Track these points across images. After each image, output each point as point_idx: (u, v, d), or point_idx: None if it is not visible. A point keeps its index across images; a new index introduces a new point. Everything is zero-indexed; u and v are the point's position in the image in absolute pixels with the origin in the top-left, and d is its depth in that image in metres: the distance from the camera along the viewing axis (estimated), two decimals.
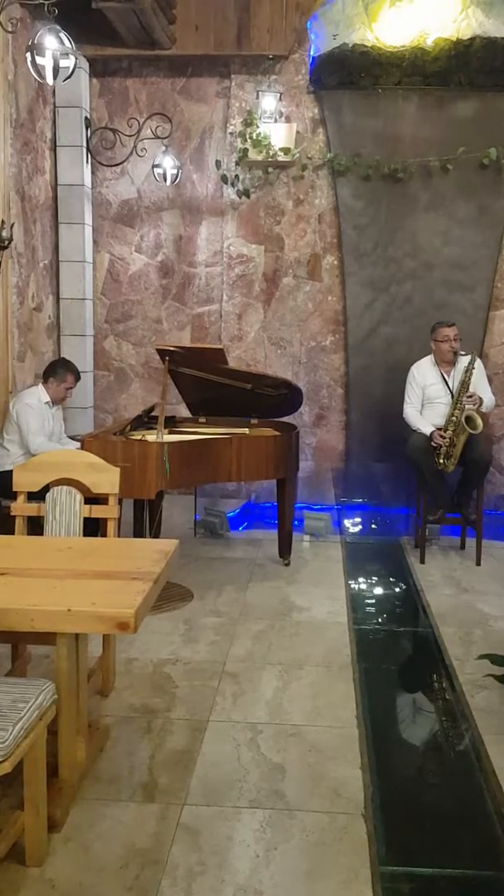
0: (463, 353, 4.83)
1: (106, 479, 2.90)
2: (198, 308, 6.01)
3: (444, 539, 5.26)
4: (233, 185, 5.68)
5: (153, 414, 4.67)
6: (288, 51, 5.49)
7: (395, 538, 5.33)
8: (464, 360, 4.80)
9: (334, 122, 5.57)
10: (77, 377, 4.52)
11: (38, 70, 3.40)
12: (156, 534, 4.28)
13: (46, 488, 2.91)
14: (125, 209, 5.95)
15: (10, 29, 4.02)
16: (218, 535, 5.22)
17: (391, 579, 4.59)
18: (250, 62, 5.60)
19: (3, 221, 4.51)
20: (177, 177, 5.48)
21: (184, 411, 5.10)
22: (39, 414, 4.30)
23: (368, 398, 5.81)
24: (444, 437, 4.67)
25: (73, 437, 4.59)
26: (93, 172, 5.79)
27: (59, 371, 4.45)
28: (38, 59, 3.38)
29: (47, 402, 4.38)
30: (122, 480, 2.92)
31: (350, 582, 4.43)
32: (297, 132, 5.57)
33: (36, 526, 2.96)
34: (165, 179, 5.42)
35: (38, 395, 4.37)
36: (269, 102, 5.51)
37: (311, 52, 5.52)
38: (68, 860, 2.08)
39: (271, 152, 5.48)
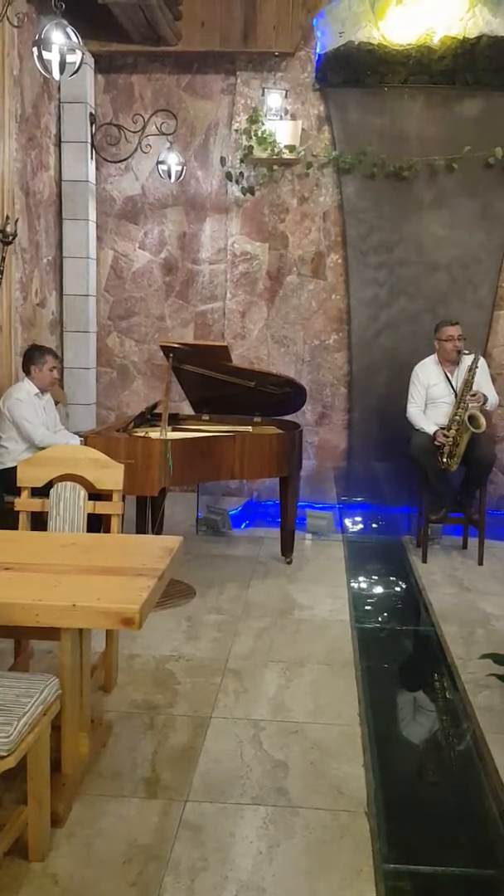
0: (466, 352, 4.82)
1: (110, 475, 2.89)
2: (201, 305, 6.00)
3: (447, 538, 5.25)
4: (237, 182, 5.67)
5: (156, 411, 4.67)
6: (294, 48, 5.48)
7: (397, 537, 5.33)
8: (467, 360, 4.79)
9: (340, 119, 5.56)
10: (55, 356, 4.45)
11: (45, 65, 3.40)
12: (158, 531, 4.28)
13: (50, 484, 2.91)
14: (129, 206, 5.94)
15: (15, 24, 4.02)
16: (220, 533, 5.22)
17: (393, 578, 4.59)
18: (256, 59, 5.59)
19: (7, 217, 4.51)
20: (181, 173, 5.47)
21: (187, 409, 5.10)
22: (31, 407, 4.24)
23: (371, 397, 5.80)
24: (447, 437, 4.67)
25: (75, 434, 4.57)
26: (97, 168, 5.78)
27: (35, 356, 4.33)
28: (45, 54, 3.38)
29: (36, 394, 4.32)
30: (124, 477, 2.91)
31: (352, 580, 4.42)
32: (303, 130, 5.56)
33: (39, 522, 2.95)
34: (170, 176, 5.42)
35: (26, 388, 4.27)
36: (274, 100, 5.51)
37: (317, 50, 5.51)
38: (71, 855, 2.08)
39: (276, 150, 5.48)
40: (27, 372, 4.34)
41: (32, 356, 4.35)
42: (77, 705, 2.33)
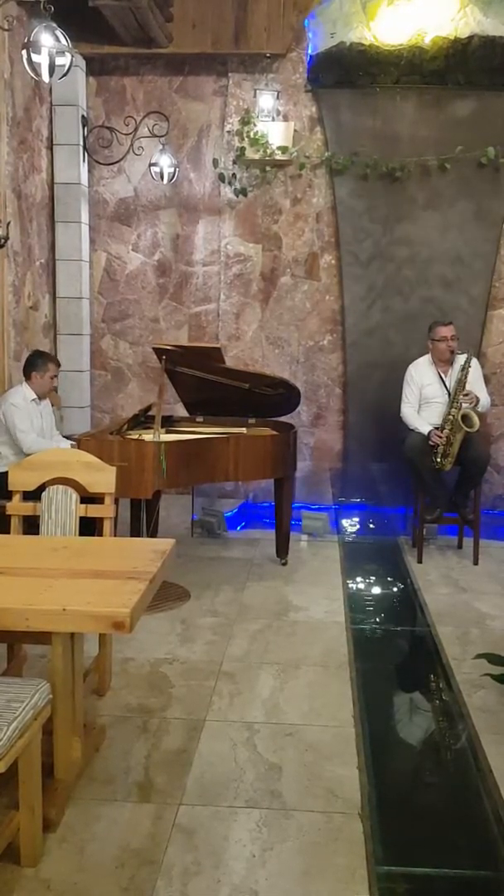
0: (459, 352, 4.82)
1: (102, 478, 2.89)
2: (195, 307, 6.00)
3: (442, 538, 5.25)
4: (230, 183, 5.67)
5: (150, 413, 4.66)
6: (285, 49, 5.48)
7: (392, 538, 5.32)
8: (460, 360, 4.79)
9: (332, 120, 5.56)
10: (57, 364, 4.44)
11: (34, 68, 3.39)
12: (153, 534, 4.26)
13: (42, 487, 2.90)
14: (122, 208, 5.94)
15: (5, 27, 4.01)
16: (215, 535, 5.21)
17: (389, 579, 4.59)
18: (248, 60, 5.59)
19: None
20: (174, 175, 5.47)
21: (181, 411, 5.09)
22: (27, 413, 4.20)
23: (366, 398, 5.80)
24: (441, 437, 4.66)
25: (68, 437, 4.55)
26: (89, 171, 5.78)
27: (38, 363, 4.29)
28: (34, 57, 3.37)
29: (34, 400, 4.28)
30: (118, 480, 2.91)
31: (348, 581, 4.42)
32: (295, 131, 5.56)
33: (31, 525, 2.94)
34: (162, 178, 5.42)
35: (23, 393, 4.24)
36: (266, 101, 5.51)
37: (309, 51, 5.50)
38: (63, 860, 2.07)
39: (269, 151, 5.48)
40: (27, 377, 4.32)
41: (35, 362, 4.31)
42: (69, 709, 2.33)
